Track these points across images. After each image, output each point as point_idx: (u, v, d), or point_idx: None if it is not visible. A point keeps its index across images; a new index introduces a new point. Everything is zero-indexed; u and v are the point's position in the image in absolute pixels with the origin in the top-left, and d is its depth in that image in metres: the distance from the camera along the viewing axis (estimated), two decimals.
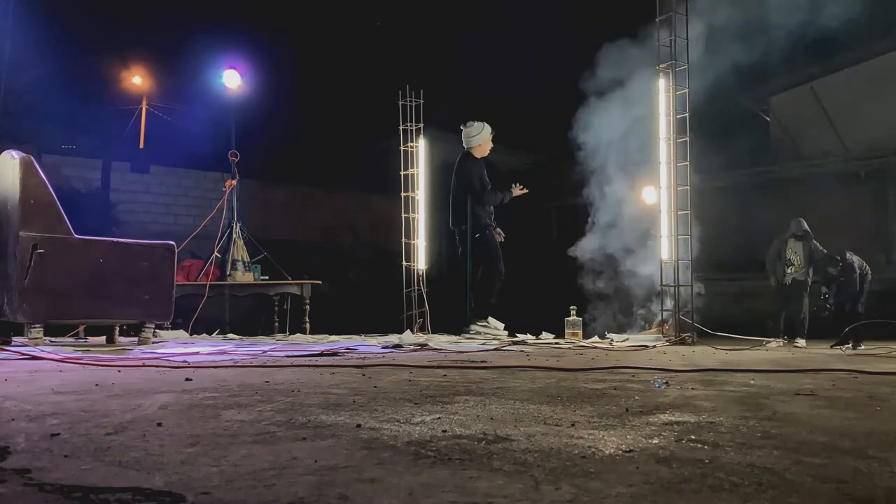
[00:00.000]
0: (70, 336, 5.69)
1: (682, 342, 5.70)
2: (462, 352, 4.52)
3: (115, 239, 4.93)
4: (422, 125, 8.12)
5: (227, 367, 3.09)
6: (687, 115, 6.13)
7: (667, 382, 2.55)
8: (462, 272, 6.87)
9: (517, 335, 6.25)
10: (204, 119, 9.69)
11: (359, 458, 1.20)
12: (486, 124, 6.93)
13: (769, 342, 6.26)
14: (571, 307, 6.45)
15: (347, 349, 4.60)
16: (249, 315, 8.51)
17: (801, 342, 6.66)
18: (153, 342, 4.91)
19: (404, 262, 8.01)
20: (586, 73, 7.07)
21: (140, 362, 3.23)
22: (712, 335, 5.99)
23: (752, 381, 2.61)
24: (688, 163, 6.10)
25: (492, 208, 6.78)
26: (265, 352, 4.28)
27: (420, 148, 8.08)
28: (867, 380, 2.72)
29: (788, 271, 7.16)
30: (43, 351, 3.76)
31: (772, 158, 11.03)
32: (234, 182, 7.47)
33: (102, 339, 5.23)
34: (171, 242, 4.97)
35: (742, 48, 7.11)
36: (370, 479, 1.06)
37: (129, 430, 1.44)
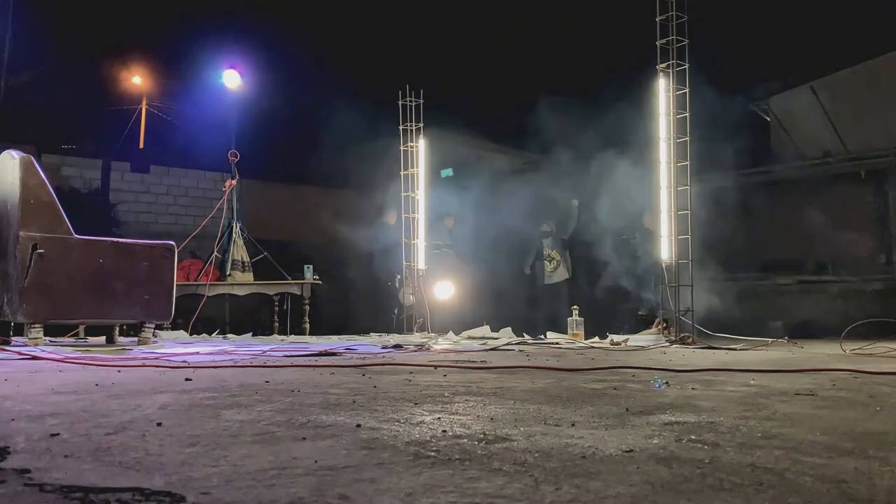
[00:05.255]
0: (70, 336, 5.69)
1: (682, 342, 5.69)
2: (462, 352, 4.52)
3: (115, 239, 4.93)
4: (422, 125, 8.12)
5: (227, 367, 3.09)
6: (687, 114, 6.13)
7: (667, 382, 2.56)
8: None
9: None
10: (204, 119, 9.69)
11: (359, 458, 1.20)
12: None
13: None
14: (573, 307, 6.44)
15: (347, 349, 4.60)
16: (249, 315, 8.51)
17: None
18: (153, 342, 4.91)
19: (404, 262, 8.01)
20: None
21: (140, 362, 3.23)
22: (712, 335, 5.99)
23: (752, 381, 2.61)
24: (688, 162, 6.10)
25: None
26: (265, 352, 4.28)
27: (420, 148, 8.08)
28: (867, 380, 2.72)
29: None
30: (43, 351, 3.76)
31: (772, 158, 11.02)
32: (234, 182, 7.47)
33: (102, 339, 5.23)
34: (171, 242, 4.97)
35: (742, 48, 7.11)
36: (370, 479, 1.06)
37: (129, 430, 1.44)
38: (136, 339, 4.88)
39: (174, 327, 6.26)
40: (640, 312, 6.95)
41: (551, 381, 2.57)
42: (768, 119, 11.92)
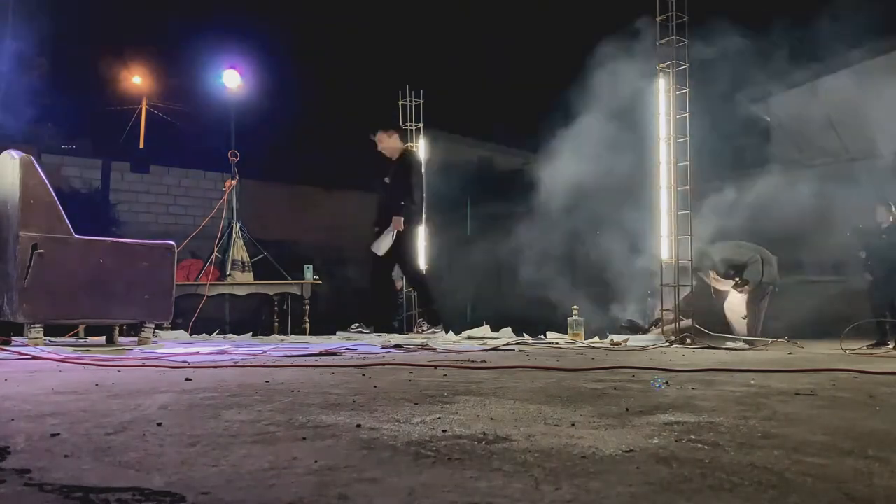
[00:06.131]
0: (70, 336, 5.69)
1: (682, 342, 5.69)
2: (462, 352, 4.52)
3: (115, 239, 4.93)
4: (422, 125, 8.12)
5: (227, 367, 3.09)
6: (687, 114, 6.13)
7: (667, 382, 2.56)
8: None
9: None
10: (204, 119, 9.70)
11: (359, 458, 1.20)
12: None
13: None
14: (574, 307, 6.44)
15: (347, 349, 4.60)
16: (249, 315, 8.52)
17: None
18: (153, 342, 4.91)
19: None
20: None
21: (140, 362, 3.23)
22: (712, 335, 5.99)
23: (752, 381, 2.61)
24: (688, 162, 6.10)
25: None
26: (265, 352, 4.28)
27: (420, 148, 8.08)
28: (867, 380, 2.72)
29: None
30: (43, 351, 3.76)
31: (772, 158, 11.01)
32: (234, 182, 7.47)
33: (102, 339, 5.23)
34: (171, 242, 4.97)
35: (742, 48, 7.12)
36: (370, 479, 1.06)
37: (129, 430, 1.44)
38: (136, 339, 4.88)
39: (174, 327, 6.25)
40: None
41: (551, 381, 2.57)
42: (768, 119, 11.92)
